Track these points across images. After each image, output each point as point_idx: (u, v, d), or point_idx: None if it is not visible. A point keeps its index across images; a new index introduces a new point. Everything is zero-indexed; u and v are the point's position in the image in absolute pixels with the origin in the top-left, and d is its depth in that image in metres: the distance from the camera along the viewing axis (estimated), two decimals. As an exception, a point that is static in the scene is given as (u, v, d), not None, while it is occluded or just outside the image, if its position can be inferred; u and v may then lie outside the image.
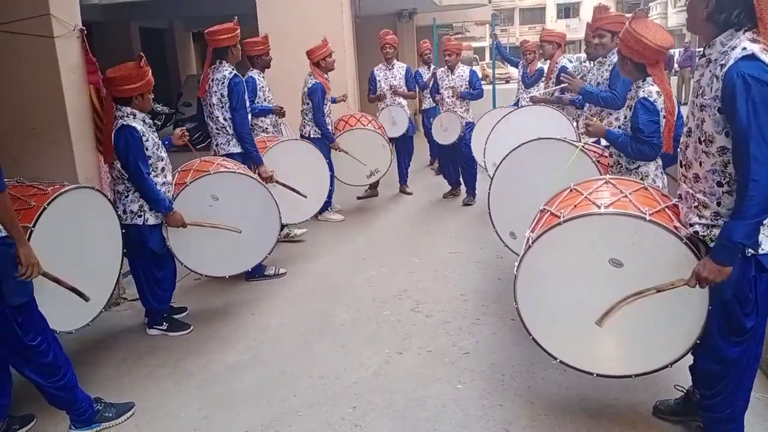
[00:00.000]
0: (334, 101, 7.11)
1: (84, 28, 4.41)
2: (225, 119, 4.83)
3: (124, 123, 3.64)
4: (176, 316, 4.26)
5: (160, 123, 13.60)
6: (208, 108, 4.91)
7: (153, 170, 3.75)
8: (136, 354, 3.83)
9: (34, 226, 2.97)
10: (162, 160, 3.82)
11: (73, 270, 3.19)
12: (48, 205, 3.07)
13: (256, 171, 4.82)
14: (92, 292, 3.28)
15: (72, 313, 3.28)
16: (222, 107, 4.81)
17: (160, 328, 4.07)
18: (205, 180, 4.06)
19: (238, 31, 4.88)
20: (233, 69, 4.83)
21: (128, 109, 3.69)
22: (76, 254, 3.35)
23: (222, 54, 4.81)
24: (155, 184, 3.73)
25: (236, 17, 4.95)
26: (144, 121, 3.76)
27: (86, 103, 4.38)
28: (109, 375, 3.58)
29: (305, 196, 5.15)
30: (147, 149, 3.69)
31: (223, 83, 4.75)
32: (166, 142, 4.07)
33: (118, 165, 3.71)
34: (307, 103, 6.32)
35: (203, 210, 4.01)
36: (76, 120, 4.28)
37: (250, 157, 4.89)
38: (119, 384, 3.47)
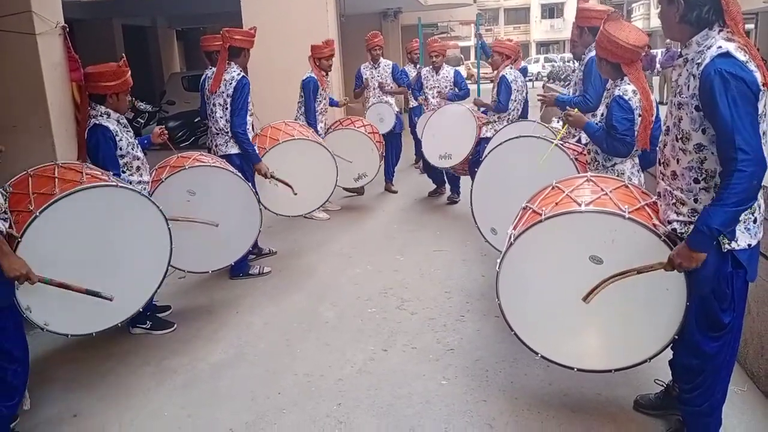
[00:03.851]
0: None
1: (66, 25, 4.39)
2: (227, 121, 4.80)
3: (97, 122, 3.62)
4: (160, 315, 4.23)
5: (143, 121, 13.48)
6: (211, 107, 4.88)
7: (128, 169, 3.74)
8: (120, 352, 3.80)
9: (21, 237, 2.82)
10: (137, 159, 3.80)
11: (99, 272, 3.16)
12: (41, 213, 2.89)
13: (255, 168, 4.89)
14: (128, 291, 3.26)
15: (97, 314, 3.21)
16: (225, 108, 4.79)
17: (144, 326, 4.05)
18: (181, 175, 4.04)
19: (255, 38, 4.94)
20: (241, 71, 4.84)
21: (103, 108, 3.67)
22: (102, 255, 3.23)
23: (236, 54, 4.82)
24: (128, 182, 3.69)
25: (254, 27, 4.99)
26: (119, 121, 3.73)
27: (68, 101, 4.36)
28: (92, 373, 3.55)
29: (295, 194, 5.10)
30: (121, 149, 3.68)
31: (231, 84, 4.74)
32: (146, 141, 4.05)
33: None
34: (301, 96, 6.34)
35: (181, 206, 3.98)
36: (58, 117, 4.25)
37: (248, 156, 4.87)
38: (102, 382, 3.45)
